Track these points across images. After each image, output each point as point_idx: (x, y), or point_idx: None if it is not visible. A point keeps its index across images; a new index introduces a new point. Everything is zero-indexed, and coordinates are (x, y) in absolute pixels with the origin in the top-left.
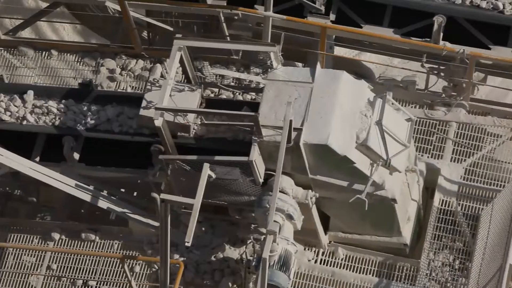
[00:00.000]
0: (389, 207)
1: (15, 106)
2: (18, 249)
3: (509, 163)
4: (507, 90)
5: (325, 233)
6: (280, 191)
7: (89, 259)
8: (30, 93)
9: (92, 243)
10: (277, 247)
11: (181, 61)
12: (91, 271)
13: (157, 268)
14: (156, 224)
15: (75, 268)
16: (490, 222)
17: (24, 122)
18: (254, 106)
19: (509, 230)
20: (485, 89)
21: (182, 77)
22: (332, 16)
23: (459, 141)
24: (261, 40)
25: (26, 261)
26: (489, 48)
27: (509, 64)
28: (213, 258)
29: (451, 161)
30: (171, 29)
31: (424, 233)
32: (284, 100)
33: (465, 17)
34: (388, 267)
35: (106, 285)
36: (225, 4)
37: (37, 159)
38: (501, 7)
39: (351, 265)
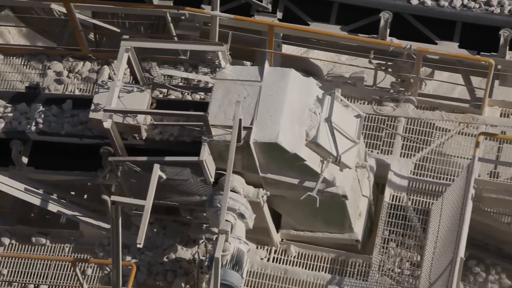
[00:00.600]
0: (340, 203)
1: None
2: None
3: (458, 157)
4: (454, 85)
5: (277, 231)
6: (231, 190)
7: (40, 263)
8: None
9: (43, 247)
10: (229, 247)
11: (129, 62)
12: (42, 275)
13: (109, 270)
14: (107, 226)
15: (26, 272)
16: (440, 216)
17: None
18: (203, 105)
19: (459, 224)
20: (433, 83)
21: (130, 78)
22: (279, 14)
23: (408, 136)
24: (208, 39)
25: None
26: (436, 43)
27: (455, 59)
28: (165, 259)
29: (400, 156)
30: (118, 30)
31: (375, 229)
32: (233, 99)
33: (411, 12)
34: (340, 263)
35: None
36: (172, 4)
37: None
38: (446, 4)
39: (303, 263)
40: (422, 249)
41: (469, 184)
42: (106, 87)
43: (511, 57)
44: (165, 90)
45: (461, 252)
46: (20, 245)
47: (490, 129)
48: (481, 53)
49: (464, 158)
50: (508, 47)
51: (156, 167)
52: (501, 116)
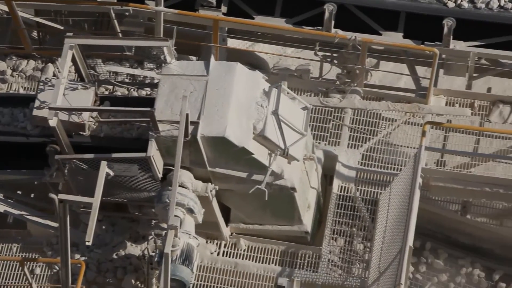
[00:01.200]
0: (289, 196)
1: None
2: None
3: (404, 146)
4: (399, 75)
5: (227, 225)
6: (179, 186)
7: None
8: None
9: None
10: (178, 242)
11: (73, 60)
12: None
13: (58, 269)
14: (55, 224)
15: None
16: (388, 206)
17: None
18: (149, 101)
19: (408, 213)
20: (378, 74)
21: (75, 75)
22: (224, 9)
23: (355, 127)
24: (153, 35)
25: None
26: (380, 34)
27: (400, 49)
28: (114, 256)
29: (348, 147)
30: (62, 28)
31: (324, 220)
32: (180, 94)
33: (355, 4)
34: (290, 255)
35: None
36: (115, 1)
37: None
38: None
39: (253, 256)
40: (371, 239)
41: (416, 173)
42: (50, 84)
43: (455, 46)
44: (111, 87)
45: (410, 241)
46: None
47: (436, 118)
48: (425, 42)
49: (411, 147)
50: (451, 36)
51: (104, 164)
52: (446, 105)
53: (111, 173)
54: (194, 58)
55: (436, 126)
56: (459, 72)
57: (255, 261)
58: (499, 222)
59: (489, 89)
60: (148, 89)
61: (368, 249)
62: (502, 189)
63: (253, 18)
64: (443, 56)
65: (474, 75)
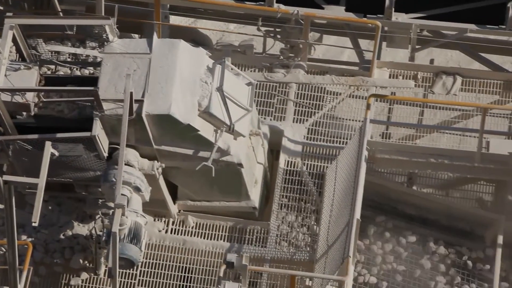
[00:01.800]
0: (236, 172)
1: None
2: None
3: (350, 119)
4: (342, 48)
5: (174, 203)
6: (125, 164)
7: None
8: None
9: None
10: (126, 220)
11: (14, 40)
12: None
13: (4, 250)
14: (1, 206)
15: None
16: (335, 179)
17: None
18: (93, 80)
19: (354, 186)
20: (322, 48)
21: (16, 56)
22: None
23: (300, 101)
24: (95, 13)
25: None
26: (323, 8)
27: (343, 22)
28: (62, 236)
29: (293, 122)
30: (1, 8)
31: (272, 195)
32: (123, 72)
33: None
34: (238, 231)
35: None
36: None
37: None
38: None
39: (202, 232)
40: (319, 212)
41: (362, 146)
42: None
43: (397, 18)
44: (53, 67)
45: (357, 214)
46: None
47: (380, 90)
48: (368, 15)
49: (356, 120)
50: (393, 9)
51: (48, 144)
52: (390, 77)
53: (56, 153)
54: (136, 36)
55: (380, 99)
56: (402, 44)
57: (204, 238)
58: (445, 192)
59: (431, 61)
60: (91, 68)
61: (316, 223)
62: (447, 159)
63: None
64: (386, 28)
65: (417, 47)
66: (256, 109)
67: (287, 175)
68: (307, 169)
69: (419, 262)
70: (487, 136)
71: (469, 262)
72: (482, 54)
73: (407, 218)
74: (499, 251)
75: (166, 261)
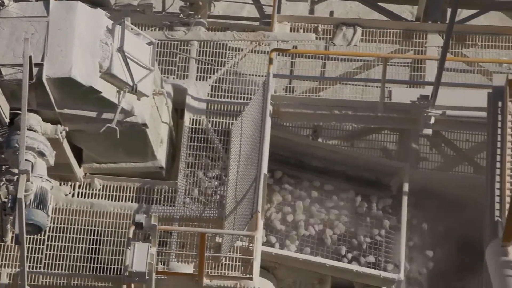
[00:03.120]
0: (140, 132)
1: None
2: None
3: (253, 75)
4: (242, 4)
5: (80, 166)
6: (28, 129)
7: None
8: None
9: None
10: (31, 186)
11: None
12: None
13: None
14: None
15: None
16: (241, 135)
17: None
18: None
19: (260, 141)
20: (222, 4)
21: None
22: None
23: (202, 59)
24: None
25: None
26: None
27: None
28: None
29: (196, 79)
30: None
31: (178, 154)
32: (21, 36)
33: None
34: (146, 191)
35: None
36: None
37: None
38: None
39: (109, 194)
40: (226, 169)
41: (266, 101)
42: None
43: None
44: None
45: (264, 169)
46: None
47: (282, 44)
48: None
49: (259, 75)
50: None
51: None
52: (291, 31)
53: None
54: None
55: (282, 53)
56: None
57: (111, 200)
58: (350, 143)
59: (331, 13)
60: None
61: (223, 180)
62: (350, 110)
63: None
64: None
65: None
66: (159, 68)
67: (193, 133)
68: (212, 126)
69: (327, 212)
70: (389, 86)
71: (378, 211)
72: (381, 4)
73: (314, 171)
74: (405, 199)
75: (74, 224)
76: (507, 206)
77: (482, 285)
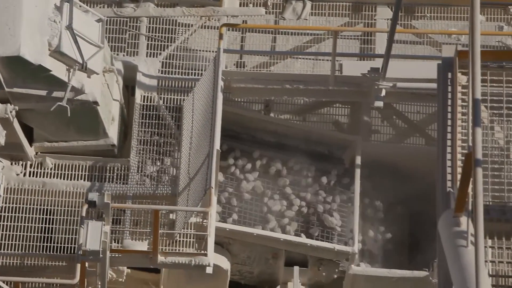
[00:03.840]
0: (91, 110)
1: None
2: None
3: (204, 50)
4: None
5: (31, 145)
6: None
7: None
8: None
9: None
10: None
11: None
12: None
13: None
14: None
15: None
16: (193, 111)
17: None
18: None
19: (212, 117)
20: None
21: None
22: None
23: (152, 35)
24: None
25: None
26: None
27: None
28: None
29: (147, 56)
30: None
31: (130, 131)
32: None
33: None
34: (99, 169)
35: None
36: None
37: None
38: None
39: (61, 173)
40: (179, 146)
41: (217, 76)
42: None
43: None
44: None
45: (217, 144)
46: None
47: (232, 19)
48: None
49: (209, 51)
50: None
51: None
52: (240, 5)
53: None
54: None
55: (232, 28)
56: None
57: (64, 179)
58: (302, 117)
59: None
60: None
61: (176, 157)
62: (302, 84)
63: None
64: None
65: None
66: (108, 45)
67: (144, 110)
68: (164, 103)
69: (280, 187)
70: (340, 59)
71: (331, 185)
72: None
73: (266, 146)
74: (357, 172)
75: (27, 204)
76: (459, 177)
77: (436, 256)
